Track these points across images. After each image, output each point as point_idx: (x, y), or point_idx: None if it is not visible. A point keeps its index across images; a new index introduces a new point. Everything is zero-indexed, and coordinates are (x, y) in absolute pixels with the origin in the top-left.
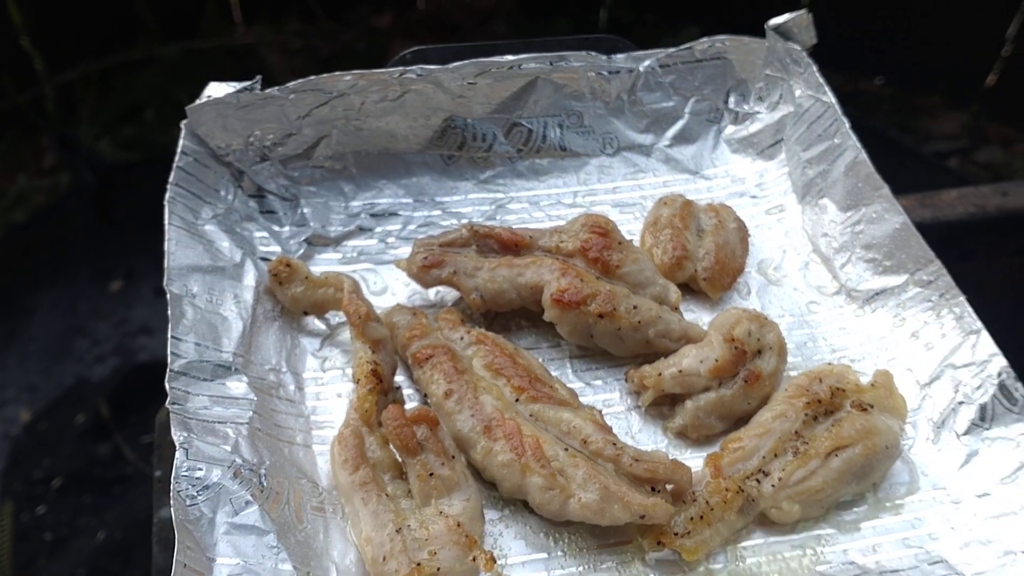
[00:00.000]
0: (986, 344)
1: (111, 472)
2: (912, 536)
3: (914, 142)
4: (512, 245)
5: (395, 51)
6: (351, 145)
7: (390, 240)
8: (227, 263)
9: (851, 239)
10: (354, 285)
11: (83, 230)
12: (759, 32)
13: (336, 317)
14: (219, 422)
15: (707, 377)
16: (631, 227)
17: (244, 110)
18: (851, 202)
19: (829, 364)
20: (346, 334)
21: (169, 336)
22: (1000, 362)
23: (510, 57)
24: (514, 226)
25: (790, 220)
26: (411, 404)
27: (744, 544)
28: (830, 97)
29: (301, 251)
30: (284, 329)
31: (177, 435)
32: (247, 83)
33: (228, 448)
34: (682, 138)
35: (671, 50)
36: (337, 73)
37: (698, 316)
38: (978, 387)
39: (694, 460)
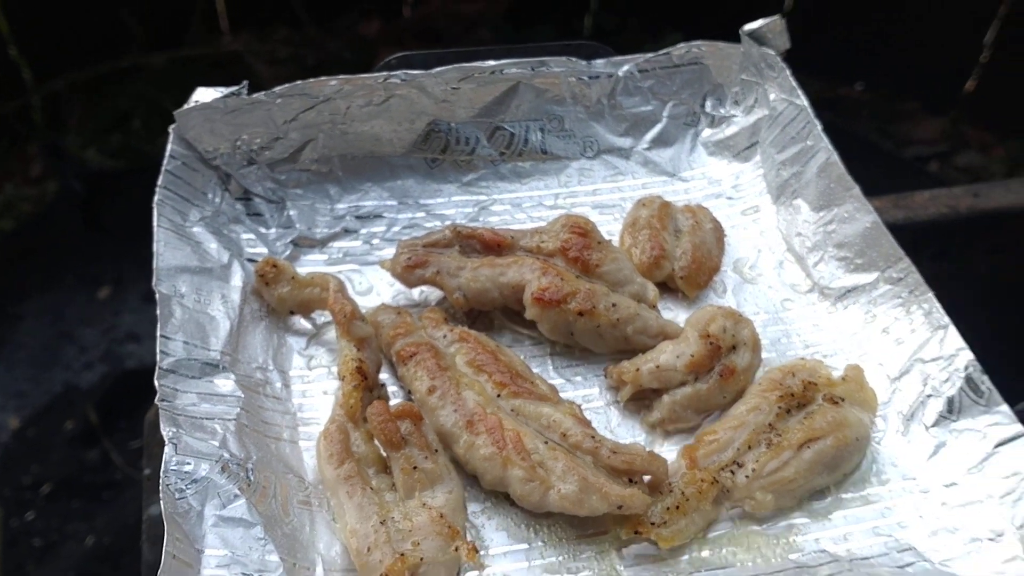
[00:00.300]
0: (953, 339)
1: (100, 478)
2: (882, 525)
3: (894, 147)
4: (494, 245)
5: (382, 59)
6: (337, 149)
7: (375, 241)
8: (215, 264)
9: (824, 238)
10: (339, 285)
11: (71, 238)
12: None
13: (322, 316)
14: (207, 418)
15: (683, 372)
16: (611, 228)
17: (231, 115)
18: (823, 202)
19: (802, 359)
20: (332, 333)
21: (158, 335)
22: (967, 356)
23: (492, 63)
24: (496, 227)
25: (765, 220)
26: (395, 400)
27: (719, 533)
28: (803, 100)
29: (287, 252)
30: (271, 328)
31: (166, 431)
32: (234, 88)
33: (216, 443)
34: (660, 141)
35: (649, 55)
36: (323, 78)
37: (675, 314)
38: (946, 380)
39: (671, 452)
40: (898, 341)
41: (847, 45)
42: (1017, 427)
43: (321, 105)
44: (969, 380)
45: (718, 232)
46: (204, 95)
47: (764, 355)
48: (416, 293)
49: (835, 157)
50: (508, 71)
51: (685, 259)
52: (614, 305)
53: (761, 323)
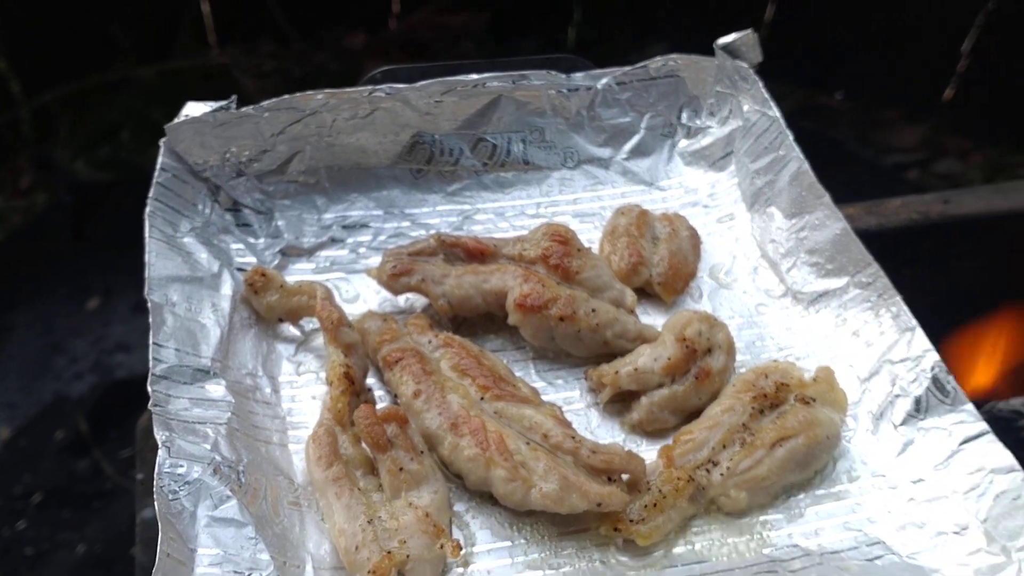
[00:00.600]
0: (920, 341)
1: (91, 487)
2: (852, 520)
3: (874, 155)
4: (478, 253)
5: (368, 71)
6: (324, 160)
7: (361, 250)
8: (205, 273)
9: (796, 245)
10: (327, 293)
11: (60, 249)
12: None
13: (310, 324)
14: (199, 423)
15: (661, 374)
16: (591, 235)
17: (220, 128)
18: (795, 210)
19: (775, 361)
20: (320, 340)
21: (151, 342)
22: (933, 357)
23: (475, 76)
24: (480, 236)
25: (740, 227)
26: (382, 404)
27: (695, 530)
28: (775, 112)
29: (276, 262)
30: (260, 335)
31: (160, 435)
32: (223, 102)
33: (208, 447)
34: (638, 152)
35: (627, 68)
36: (310, 92)
37: (653, 318)
38: (913, 380)
39: (649, 452)
40: (868, 343)
41: (827, 55)
42: (981, 425)
43: (308, 118)
44: (935, 380)
45: (694, 239)
46: (194, 109)
47: (739, 358)
48: (402, 300)
49: (806, 166)
50: (490, 84)
51: (662, 265)
52: (594, 310)
53: (736, 327)
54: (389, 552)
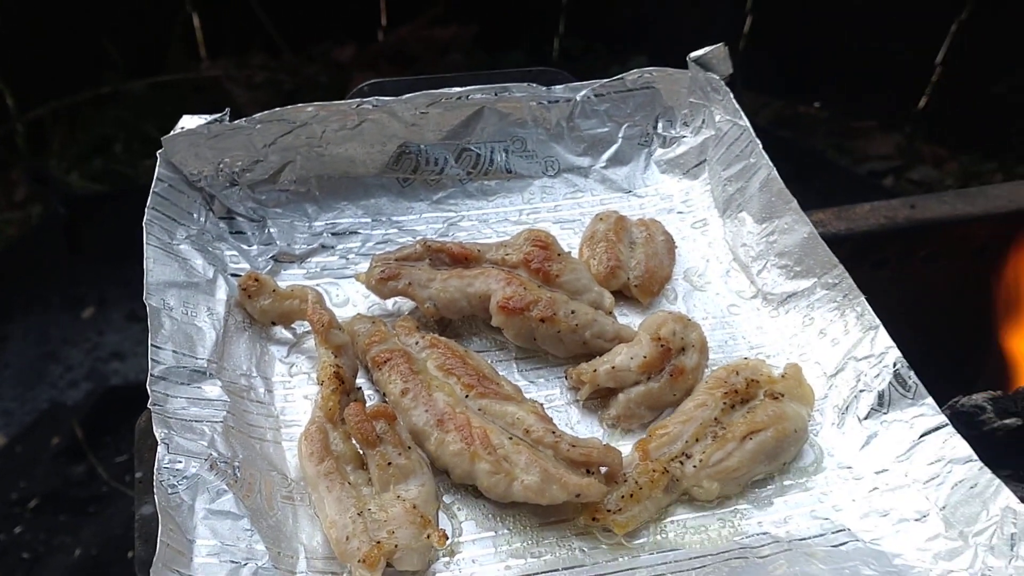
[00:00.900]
0: (883, 338)
1: (86, 492)
2: (819, 508)
3: (851, 162)
4: (462, 258)
5: (356, 83)
6: (314, 170)
7: (351, 256)
8: (201, 279)
9: (766, 248)
10: (318, 297)
11: (55, 260)
12: None
13: (301, 327)
14: (196, 421)
15: (637, 372)
16: (571, 241)
17: (214, 140)
18: (765, 215)
19: (745, 359)
20: (311, 342)
21: (149, 345)
22: (895, 354)
23: (458, 89)
24: (464, 242)
25: (713, 232)
26: (371, 403)
27: (670, 519)
28: (745, 121)
29: (268, 267)
30: (254, 338)
31: (159, 432)
32: (217, 115)
33: (205, 443)
34: (616, 160)
35: (605, 81)
36: (300, 105)
37: (630, 319)
38: (876, 376)
39: (625, 446)
40: (834, 342)
41: (805, 66)
42: (940, 418)
43: (298, 130)
44: (897, 376)
45: (669, 244)
46: (189, 122)
47: (712, 356)
48: (390, 304)
49: (775, 173)
50: (473, 96)
51: (639, 269)
52: (573, 312)
53: (709, 327)
54: (378, 542)
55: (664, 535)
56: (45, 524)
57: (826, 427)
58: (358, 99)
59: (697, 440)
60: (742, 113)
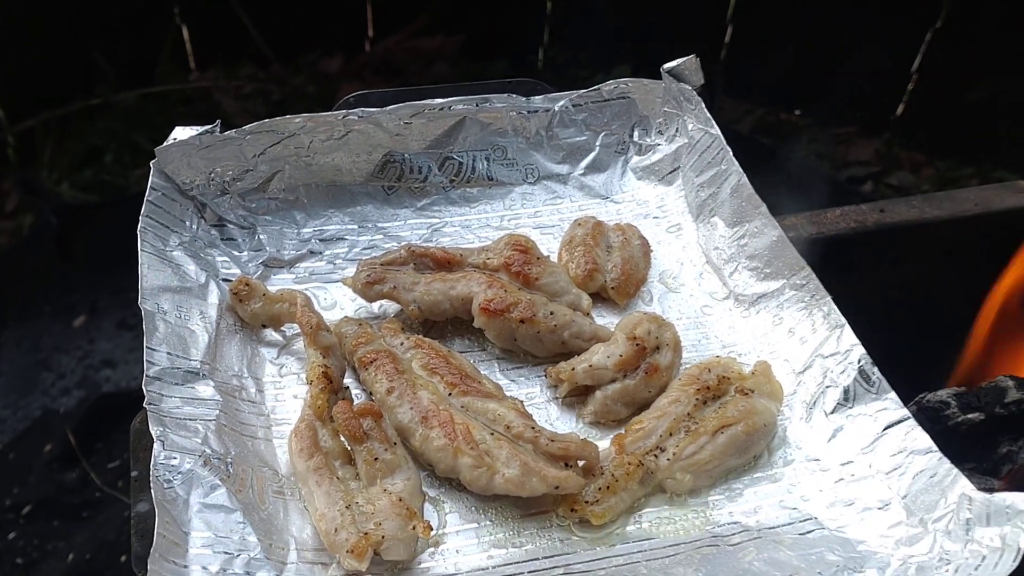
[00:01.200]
0: (848, 336)
1: (79, 498)
2: (787, 499)
3: (831, 168)
4: (445, 262)
5: (344, 93)
6: (302, 179)
7: (338, 261)
8: (193, 284)
9: (737, 251)
10: (306, 300)
11: (46, 269)
12: None
13: (291, 329)
14: (190, 419)
15: (613, 370)
16: (550, 245)
17: (206, 150)
18: (736, 219)
19: (717, 357)
20: (300, 344)
21: (144, 347)
22: (860, 351)
23: (440, 100)
24: (447, 246)
25: (687, 236)
26: (359, 401)
27: (645, 510)
28: (716, 130)
29: (259, 273)
30: (245, 340)
31: (154, 430)
32: (208, 126)
33: (199, 440)
34: (594, 168)
35: (582, 91)
36: (288, 116)
37: (607, 320)
38: (842, 372)
39: (603, 440)
40: (802, 340)
41: (785, 75)
42: (903, 412)
43: (287, 140)
44: (862, 372)
45: (645, 248)
46: (181, 133)
47: (686, 355)
48: (376, 307)
49: (745, 179)
50: (455, 107)
51: (616, 272)
52: (552, 313)
53: (683, 327)
54: (366, 533)
55: (639, 525)
56: (39, 530)
57: (795, 421)
58: (344, 110)
59: (671, 434)
60: (713, 122)
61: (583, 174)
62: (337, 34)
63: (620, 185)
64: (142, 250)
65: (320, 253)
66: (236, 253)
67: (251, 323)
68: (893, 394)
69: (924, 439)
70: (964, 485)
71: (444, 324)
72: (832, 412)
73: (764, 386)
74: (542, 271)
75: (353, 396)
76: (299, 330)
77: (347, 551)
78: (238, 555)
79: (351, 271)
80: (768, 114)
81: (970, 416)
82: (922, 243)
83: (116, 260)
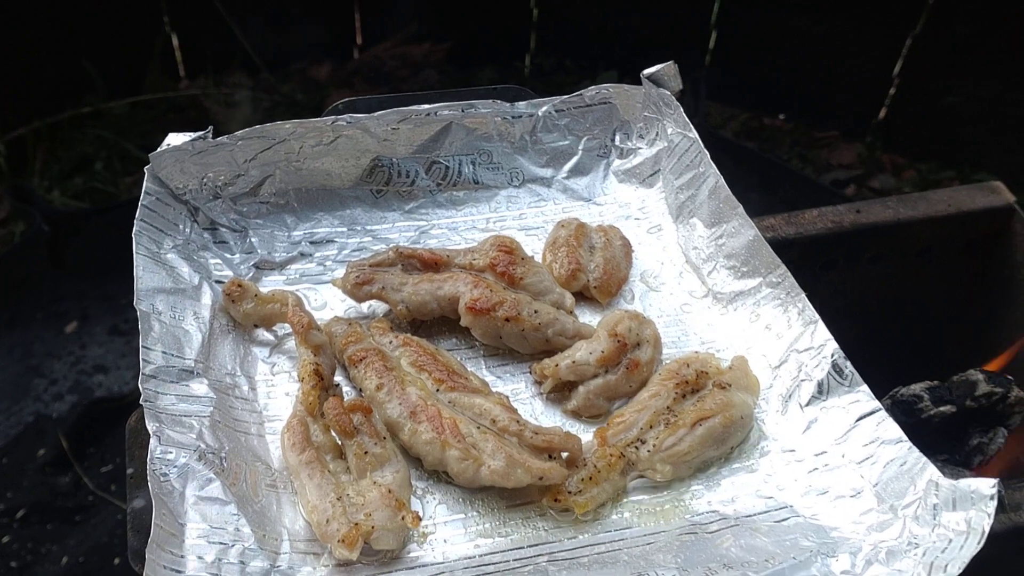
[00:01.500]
0: (822, 332)
1: (72, 502)
2: (764, 488)
3: (814, 172)
4: (432, 263)
5: (333, 100)
6: (292, 183)
7: (328, 263)
8: (187, 285)
9: (715, 251)
10: (297, 301)
11: (38, 276)
12: None
13: (282, 329)
14: (185, 416)
15: (595, 366)
16: (535, 246)
17: (198, 155)
18: (714, 220)
19: (696, 352)
20: (291, 343)
21: (140, 346)
22: (833, 345)
23: (427, 106)
24: (434, 248)
25: (667, 237)
26: (349, 398)
27: (626, 500)
28: (694, 134)
29: (250, 274)
30: (237, 340)
31: (151, 425)
32: (201, 133)
33: (193, 436)
34: (577, 171)
35: (565, 97)
36: (279, 122)
37: (590, 318)
38: (816, 366)
39: (586, 433)
40: (778, 335)
41: (770, 79)
42: (874, 404)
43: (277, 146)
44: (835, 365)
45: (627, 248)
46: (175, 139)
47: (666, 351)
48: (365, 307)
49: (722, 182)
50: (441, 113)
51: (598, 272)
52: (536, 312)
53: (663, 324)
54: (357, 524)
55: (621, 514)
56: (32, 534)
57: (771, 414)
58: (333, 116)
59: (651, 427)
60: (691, 126)
61: (566, 177)
62: (326, 42)
63: (602, 188)
64: (137, 253)
65: (310, 255)
66: (228, 256)
67: (243, 323)
68: (865, 387)
69: (895, 429)
70: (932, 472)
71: (432, 323)
72: (807, 405)
73: (741, 380)
74: (527, 271)
75: (343, 393)
76: (290, 330)
77: (338, 541)
78: (233, 545)
79: (341, 272)
80: (752, 119)
81: (942, 409)
82: (898, 242)
83: (107, 267)
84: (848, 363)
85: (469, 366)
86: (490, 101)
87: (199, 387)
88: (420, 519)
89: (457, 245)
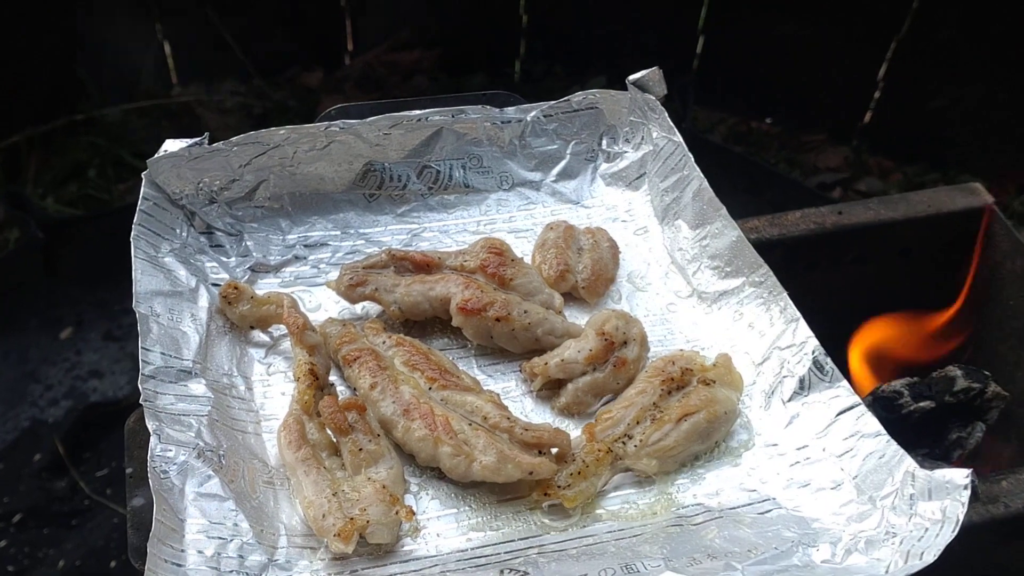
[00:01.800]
0: (803, 329)
1: (68, 506)
2: (747, 481)
3: (801, 175)
4: (424, 265)
5: (324, 106)
6: (286, 188)
7: (322, 266)
8: (184, 288)
9: (700, 251)
10: (292, 302)
11: (33, 283)
12: None
13: (278, 330)
14: (183, 415)
15: (584, 364)
16: (524, 248)
17: (195, 161)
18: (698, 221)
19: (681, 350)
20: (287, 344)
21: (140, 348)
22: (814, 343)
23: (418, 112)
24: (426, 250)
25: (653, 238)
26: (344, 396)
27: (614, 493)
28: (679, 137)
29: (246, 277)
30: (234, 341)
31: (150, 424)
32: (197, 139)
33: (192, 434)
34: (565, 175)
35: (553, 102)
36: (273, 129)
37: (578, 318)
38: (798, 363)
39: (574, 429)
40: (761, 333)
41: (757, 84)
42: (854, 399)
43: (271, 151)
44: (816, 362)
45: (614, 249)
46: (171, 145)
47: (652, 349)
48: (358, 308)
49: (705, 184)
50: (432, 118)
51: (586, 272)
52: (526, 312)
53: (650, 324)
54: (352, 518)
55: (609, 507)
56: (29, 538)
57: (754, 410)
58: (326, 122)
59: (638, 423)
60: (676, 130)
61: (555, 181)
62: (317, 48)
63: (590, 191)
64: (135, 256)
65: (305, 258)
66: (224, 259)
67: (240, 325)
68: (845, 382)
69: (873, 423)
70: (909, 464)
71: (424, 323)
72: (789, 400)
73: (725, 377)
74: (516, 272)
75: (338, 392)
76: (286, 331)
77: (334, 535)
78: (231, 540)
79: (335, 275)
80: (740, 123)
81: (922, 404)
82: (879, 243)
83: (101, 273)
84: (828, 360)
85: (461, 365)
86: (480, 107)
87: (197, 387)
88: (414, 513)
89: (448, 247)
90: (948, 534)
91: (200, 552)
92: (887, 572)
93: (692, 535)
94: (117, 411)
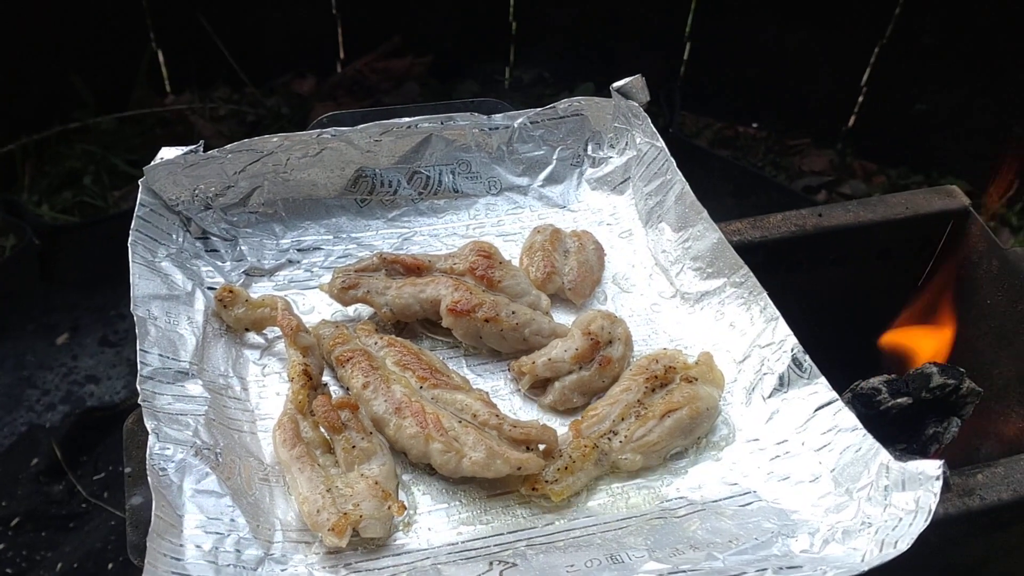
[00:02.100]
0: (783, 328)
1: (66, 509)
2: (729, 476)
3: (787, 179)
4: (415, 268)
5: (317, 113)
6: (280, 193)
7: (315, 270)
8: (180, 292)
9: (682, 253)
10: (286, 305)
11: (29, 289)
12: None
13: (272, 332)
14: (181, 414)
15: (570, 363)
16: (512, 251)
17: (190, 168)
18: (681, 224)
19: (664, 349)
20: (281, 345)
21: (138, 350)
22: (792, 340)
23: (408, 119)
24: (416, 254)
25: (637, 241)
26: (337, 396)
27: (600, 488)
28: (662, 143)
29: (241, 281)
30: (229, 343)
31: (149, 424)
32: (192, 147)
33: (190, 433)
34: (552, 179)
35: (539, 109)
36: (266, 136)
37: (565, 318)
38: (777, 360)
39: (561, 426)
40: (741, 332)
41: (743, 89)
42: (832, 395)
43: (265, 158)
44: (795, 359)
45: (599, 252)
46: (167, 153)
47: (636, 348)
48: (351, 310)
49: (687, 188)
50: (421, 125)
51: (572, 274)
52: (514, 313)
53: (634, 324)
54: (345, 513)
55: (595, 501)
56: (27, 541)
57: (736, 406)
58: (318, 129)
59: (623, 419)
60: (659, 135)
61: (542, 185)
62: (309, 56)
63: (576, 195)
64: (133, 261)
65: (298, 262)
66: (219, 263)
67: (235, 327)
68: (823, 379)
69: (850, 418)
70: (884, 456)
71: (414, 324)
72: (769, 396)
73: (707, 374)
74: (504, 274)
75: (331, 391)
76: (280, 333)
77: (328, 530)
78: (228, 535)
79: (327, 278)
80: (726, 127)
81: (899, 400)
82: (858, 244)
83: (97, 279)
84: (807, 357)
85: (451, 365)
86: (468, 114)
87: (194, 388)
88: (405, 508)
89: (438, 251)
90: (921, 523)
91: (198, 546)
92: (863, 561)
93: (675, 527)
94: (114, 415)
